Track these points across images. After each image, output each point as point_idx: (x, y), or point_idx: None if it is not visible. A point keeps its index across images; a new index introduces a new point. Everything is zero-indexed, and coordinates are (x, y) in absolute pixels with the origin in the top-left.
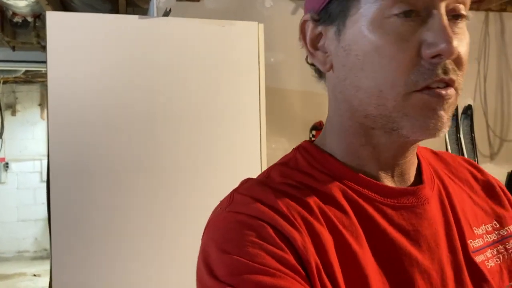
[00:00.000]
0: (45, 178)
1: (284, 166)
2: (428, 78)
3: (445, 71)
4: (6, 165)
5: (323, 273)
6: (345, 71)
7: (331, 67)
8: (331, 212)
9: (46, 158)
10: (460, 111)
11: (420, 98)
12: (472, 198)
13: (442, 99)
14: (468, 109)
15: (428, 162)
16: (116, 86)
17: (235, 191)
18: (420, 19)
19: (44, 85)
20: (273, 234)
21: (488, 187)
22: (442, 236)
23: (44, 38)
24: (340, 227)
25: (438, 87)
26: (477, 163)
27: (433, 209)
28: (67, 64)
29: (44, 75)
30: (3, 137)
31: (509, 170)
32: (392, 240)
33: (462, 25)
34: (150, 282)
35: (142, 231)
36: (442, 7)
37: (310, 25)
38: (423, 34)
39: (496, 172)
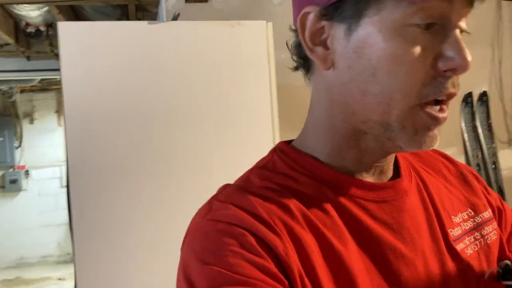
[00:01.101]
0: (65, 183)
1: (262, 169)
2: (439, 92)
3: (453, 85)
4: (27, 173)
5: (305, 279)
6: (351, 73)
7: (332, 65)
8: (313, 213)
9: (65, 164)
10: (475, 98)
11: (423, 116)
12: (447, 187)
13: (439, 121)
14: (484, 96)
15: (403, 156)
16: (129, 90)
17: (213, 198)
18: (436, 31)
19: (60, 92)
20: (254, 242)
21: (460, 176)
22: (424, 227)
23: (57, 46)
24: (323, 228)
25: (440, 105)
26: (496, 150)
27: (413, 201)
28: (80, 72)
29: (59, 83)
30: (22, 145)
31: None
32: (376, 235)
33: None
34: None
35: (163, 232)
36: (460, 22)
37: (311, 18)
38: (441, 48)
39: None
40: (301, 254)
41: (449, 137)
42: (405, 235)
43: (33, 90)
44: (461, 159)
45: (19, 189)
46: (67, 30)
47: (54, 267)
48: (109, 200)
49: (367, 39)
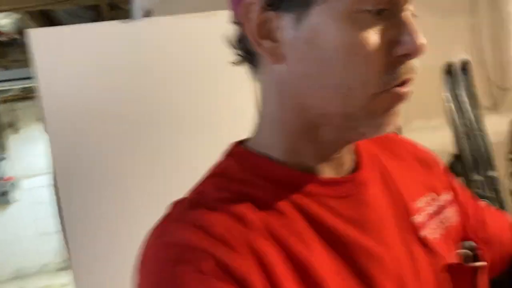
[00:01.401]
0: None
1: (217, 176)
2: (398, 77)
3: (409, 70)
4: (16, 184)
5: None
6: (304, 66)
7: (282, 59)
8: (274, 220)
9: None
10: (457, 67)
11: (387, 98)
12: (408, 171)
13: (402, 99)
14: (465, 64)
15: (363, 144)
16: (108, 93)
17: (166, 218)
18: (386, 16)
19: None
20: (212, 266)
21: (419, 159)
22: (389, 217)
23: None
24: (286, 235)
25: (401, 85)
26: (480, 116)
27: (376, 192)
28: (57, 79)
29: None
30: (9, 156)
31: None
32: (341, 233)
33: None
34: None
35: None
36: (410, 7)
37: (255, 10)
38: (393, 33)
39: (501, 122)
40: (265, 269)
41: (434, 108)
42: (370, 228)
43: (14, 99)
44: (447, 130)
45: (10, 201)
46: (38, 37)
47: (55, 275)
48: (100, 203)
49: (318, 29)
